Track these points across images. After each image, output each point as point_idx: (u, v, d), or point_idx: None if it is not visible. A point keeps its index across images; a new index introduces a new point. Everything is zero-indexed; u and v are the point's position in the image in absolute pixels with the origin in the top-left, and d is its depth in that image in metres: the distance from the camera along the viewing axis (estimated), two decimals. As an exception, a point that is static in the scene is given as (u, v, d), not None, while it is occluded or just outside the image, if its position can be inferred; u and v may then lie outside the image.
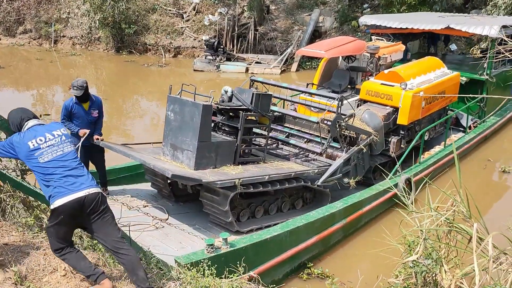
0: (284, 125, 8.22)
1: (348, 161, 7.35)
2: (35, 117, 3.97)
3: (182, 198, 7.12)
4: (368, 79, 9.07)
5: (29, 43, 22.30)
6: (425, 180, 4.49)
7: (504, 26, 9.82)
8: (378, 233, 7.21)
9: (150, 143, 7.44)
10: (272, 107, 7.95)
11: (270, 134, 8.25)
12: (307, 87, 9.29)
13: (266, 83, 8.21)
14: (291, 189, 6.93)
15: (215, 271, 4.42)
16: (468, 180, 8.52)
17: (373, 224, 7.45)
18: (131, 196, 7.03)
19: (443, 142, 9.30)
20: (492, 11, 16.17)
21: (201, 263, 4.51)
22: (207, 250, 4.92)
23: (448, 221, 3.61)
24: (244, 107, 6.73)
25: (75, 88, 6.43)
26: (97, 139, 6.66)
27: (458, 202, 3.54)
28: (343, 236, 6.95)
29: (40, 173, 3.69)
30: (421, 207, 7.66)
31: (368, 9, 20.45)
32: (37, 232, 4.47)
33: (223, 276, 4.48)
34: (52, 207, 3.66)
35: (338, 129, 7.21)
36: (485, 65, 10.17)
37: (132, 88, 16.91)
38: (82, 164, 3.89)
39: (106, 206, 3.82)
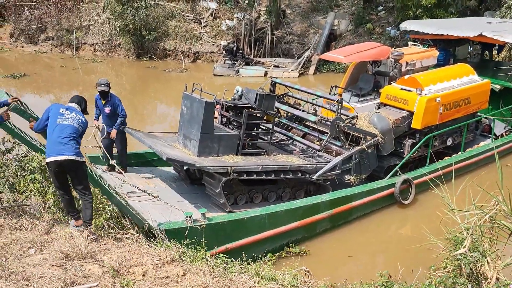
0: (305, 123, 8.81)
1: (349, 159, 7.82)
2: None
3: (196, 181, 7.98)
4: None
5: (51, 50, 22.89)
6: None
7: None
8: (369, 227, 7.90)
9: (174, 132, 8.40)
10: (281, 106, 8.76)
11: (288, 132, 8.91)
12: (330, 90, 9.80)
13: (284, 85, 9.05)
14: (292, 180, 7.69)
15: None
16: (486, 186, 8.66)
17: (366, 218, 8.11)
18: (154, 177, 8.09)
19: (469, 148, 9.57)
20: (507, 13, 16.43)
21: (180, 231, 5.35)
22: (186, 221, 5.75)
23: (492, 219, 4.05)
24: (249, 105, 7.61)
25: (100, 85, 7.69)
26: (109, 133, 7.84)
27: (500, 202, 3.98)
28: (332, 226, 7.61)
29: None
30: (419, 208, 8.08)
31: (383, 12, 20.79)
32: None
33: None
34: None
35: (337, 129, 7.71)
36: None
37: (153, 93, 17.37)
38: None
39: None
